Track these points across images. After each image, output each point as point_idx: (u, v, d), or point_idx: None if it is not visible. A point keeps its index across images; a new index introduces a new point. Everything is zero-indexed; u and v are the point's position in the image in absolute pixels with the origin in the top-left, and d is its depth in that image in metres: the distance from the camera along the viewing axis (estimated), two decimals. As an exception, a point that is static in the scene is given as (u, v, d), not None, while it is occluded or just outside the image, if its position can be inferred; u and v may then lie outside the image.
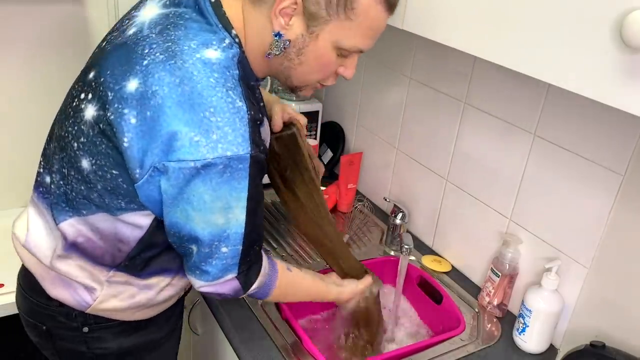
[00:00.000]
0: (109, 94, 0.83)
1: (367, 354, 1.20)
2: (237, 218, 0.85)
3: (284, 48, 0.87)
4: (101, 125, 0.84)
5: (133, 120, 0.80)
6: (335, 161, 1.78)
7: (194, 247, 0.88)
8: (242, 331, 1.14)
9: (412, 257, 1.42)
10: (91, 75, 0.88)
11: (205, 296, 0.95)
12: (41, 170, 0.99)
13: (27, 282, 1.03)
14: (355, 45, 0.88)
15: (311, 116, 1.68)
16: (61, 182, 0.92)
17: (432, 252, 1.48)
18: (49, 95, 1.70)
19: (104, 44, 0.93)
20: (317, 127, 1.72)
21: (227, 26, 0.84)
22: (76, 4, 1.66)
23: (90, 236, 0.92)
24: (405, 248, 1.27)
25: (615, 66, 0.66)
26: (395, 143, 1.56)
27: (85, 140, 0.87)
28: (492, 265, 1.23)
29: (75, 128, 0.88)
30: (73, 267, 0.95)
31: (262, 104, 0.89)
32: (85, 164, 0.87)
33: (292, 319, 1.16)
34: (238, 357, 1.11)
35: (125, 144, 0.81)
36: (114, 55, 0.86)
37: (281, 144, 1.09)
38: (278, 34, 0.85)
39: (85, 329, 1.00)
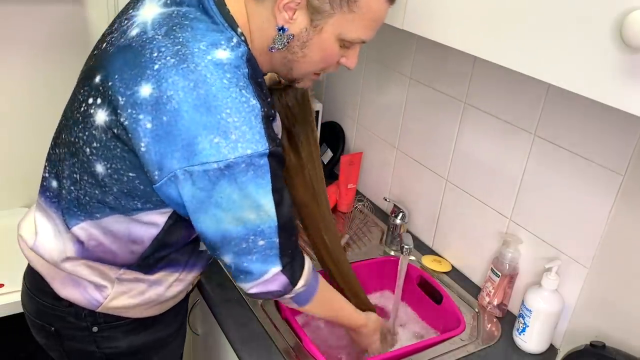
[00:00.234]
0: (120, 98, 0.83)
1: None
2: (268, 213, 0.86)
3: (288, 42, 0.88)
4: (115, 130, 0.84)
5: (149, 125, 0.81)
6: (335, 161, 1.78)
7: (229, 256, 0.88)
8: (242, 331, 1.14)
9: (412, 257, 1.42)
10: (97, 79, 0.87)
11: (253, 298, 0.96)
12: (46, 175, 0.98)
13: (34, 283, 1.02)
14: (359, 37, 0.90)
15: (311, 116, 1.69)
16: (72, 188, 0.92)
17: (432, 252, 1.48)
18: (49, 95, 1.70)
19: (104, 45, 0.92)
20: (317, 127, 1.72)
21: (233, 24, 0.85)
22: (76, 4, 1.66)
23: (102, 240, 0.92)
24: (405, 248, 1.27)
25: (615, 66, 0.66)
26: (395, 143, 1.56)
27: (98, 145, 0.87)
28: (492, 265, 1.23)
29: (87, 134, 0.88)
30: (83, 267, 0.95)
31: (269, 99, 0.90)
32: (99, 168, 0.87)
33: (292, 319, 1.16)
34: (238, 357, 1.11)
35: (143, 149, 0.82)
36: (119, 57, 0.86)
37: (292, 96, 1.09)
38: (282, 29, 0.87)
39: (95, 329, 1.00)
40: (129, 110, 0.82)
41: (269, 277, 0.91)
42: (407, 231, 1.50)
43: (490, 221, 1.29)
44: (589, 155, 1.05)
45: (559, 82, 0.74)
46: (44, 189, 0.99)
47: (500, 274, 1.21)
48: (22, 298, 1.08)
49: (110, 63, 0.87)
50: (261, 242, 0.87)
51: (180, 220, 0.92)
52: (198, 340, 1.47)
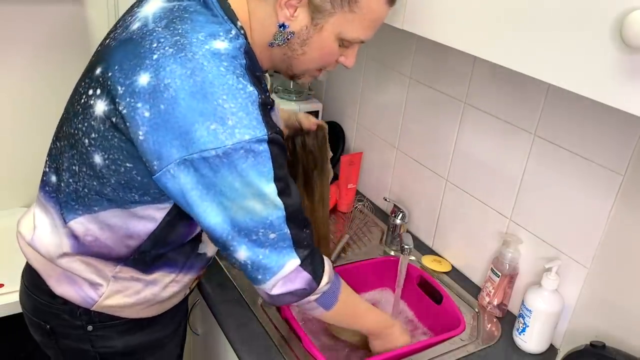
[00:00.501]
0: (119, 88, 0.83)
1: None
2: (274, 202, 0.85)
3: (288, 39, 0.89)
4: (113, 120, 0.84)
5: (147, 114, 0.81)
6: (335, 161, 1.78)
7: (242, 249, 0.86)
8: (242, 331, 1.14)
9: (412, 257, 1.42)
10: (98, 71, 0.89)
11: (278, 303, 0.93)
12: (47, 169, 0.99)
13: (32, 280, 1.03)
14: (358, 37, 0.91)
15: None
16: (71, 180, 0.92)
17: (432, 252, 1.47)
18: (49, 95, 1.70)
19: (107, 41, 0.94)
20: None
21: (233, 18, 0.86)
22: (76, 3, 1.66)
23: (99, 235, 0.92)
24: (405, 248, 1.27)
25: (615, 66, 0.66)
26: (395, 143, 1.56)
27: (96, 135, 0.87)
28: (492, 265, 1.23)
29: (86, 124, 0.89)
30: (79, 264, 0.95)
31: (268, 93, 0.90)
32: (97, 159, 0.88)
33: (292, 319, 1.16)
34: (238, 357, 1.11)
35: (141, 137, 0.82)
36: (120, 50, 0.87)
37: (314, 140, 1.15)
38: (282, 25, 0.87)
39: (90, 328, 1.00)
40: (128, 99, 0.82)
41: (288, 271, 0.89)
42: (407, 231, 1.50)
43: (490, 221, 1.29)
44: (589, 155, 1.05)
45: (559, 82, 0.74)
46: (44, 183, 0.99)
47: (500, 274, 1.21)
48: (20, 296, 1.08)
49: (111, 56, 0.88)
50: (272, 235, 0.87)
51: (178, 218, 0.92)
52: (198, 340, 1.47)
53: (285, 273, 0.89)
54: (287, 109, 1.24)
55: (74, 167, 0.92)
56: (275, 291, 0.91)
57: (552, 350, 1.17)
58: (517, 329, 1.17)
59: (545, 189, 1.15)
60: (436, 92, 1.38)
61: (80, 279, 0.97)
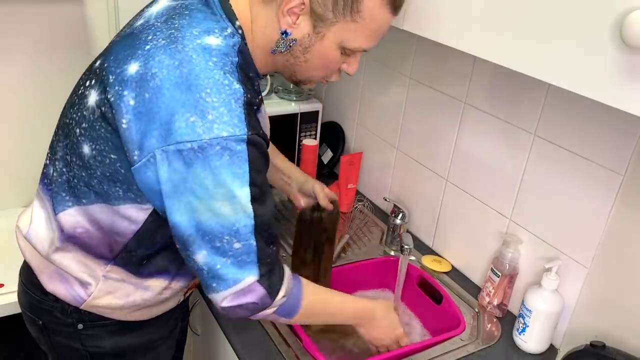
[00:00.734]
0: (110, 77, 0.85)
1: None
2: (244, 209, 0.82)
3: (290, 46, 0.89)
4: (102, 109, 0.85)
5: (132, 102, 0.81)
6: (335, 161, 1.78)
7: (202, 254, 0.84)
8: (242, 331, 1.14)
9: (412, 257, 1.42)
10: (97, 63, 0.91)
11: (226, 315, 0.89)
12: (47, 162, 0.99)
13: (28, 276, 1.03)
14: (360, 46, 0.90)
15: (311, 116, 1.69)
16: (64, 170, 0.93)
17: (432, 252, 1.47)
18: (49, 95, 1.70)
19: (114, 38, 0.96)
20: (317, 127, 1.72)
21: (232, 18, 0.86)
22: (76, 3, 1.66)
23: (89, 227, 0.92)
24: (405, 248, 1.27)
25: (615, 66, 0.66)
26: (395, 143, 1.56)
27: (86, 125, 0.88)
28: (492, 265, 1.23)
29: (79, 114, 0.90)
30: (70, 260, 0.95)
31: (260, 97, 0.90)
32: (86, 149, 0.88)
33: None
34: (238, 357, 1.11)
35: (124, 126, 0.82)
36: (120, 44, 0.89)
37: (330, 218, 1.21)
38: (285, 32, 0.87)
39: (80, 326, 1.01)
40: (116, 87, 0.83)
41: (243, 286, 0.86)
42: (407, 231, 1.50)
43: (490, 221, 1.29)
44: (589, 155, 1.05)
45: (559, 82, 0.74)
46: (43, 176, 0.99)
47: (500, 274, 1.21)
48: (17, 292, 1.09)
49: (110, 49, 0.90)
50: (237, 245, 0.83)
51: (161, 220, 0.90)
52: (198, 340, 1.47)
53: (240, 287, 0.86)
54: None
55: (66, 157, 0.92)
56: (225, 304, 0.87)
57: (552, 350, 1.17)
58: (517, 329, 1.17)
59: (545, 189, 1.15)
60: (436, 92, 1.38)
61: (71, 277, 0.97)
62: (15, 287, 1.10)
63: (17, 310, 1.11)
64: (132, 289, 0.98)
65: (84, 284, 0.97)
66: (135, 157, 0.82)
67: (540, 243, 1.17)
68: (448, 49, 0.95)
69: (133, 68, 0.82)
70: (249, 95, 0.82)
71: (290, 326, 1.16)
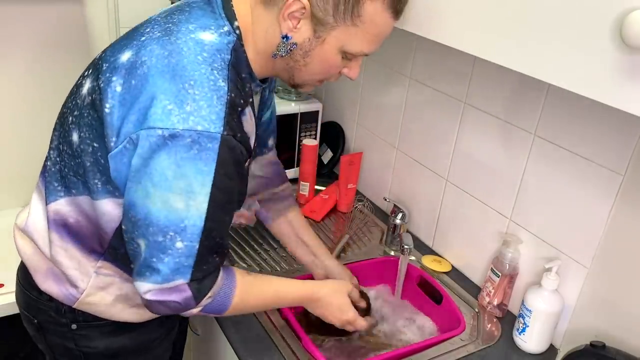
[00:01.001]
0: (104, 65, 0.86)
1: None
2: (198, 207, 0.80)
3: (290, 50, 0.88)
4: (93, 96, 0.85)
5: (118, 88, 0.82)
6: (335, 161, 1.78)
7: (144, 242, 0.82)
8: (242, 331, 1.14)
9: (412, 257, 1.42)
10: (98, 55, 0.93)
11: (148, 307, 0.87)
12: (47, 155, 1.00)
13: (24, 275, 1.04)
14: (361, 50, 0.89)
15: (311, 116, 1.69)
16: (57, 159, 0.93)
17: (432, 252, 1.47)
18: (49, 94, 1.70)
19: None
20: (317, 127, 1.72)
21: (231, 17, 0.86)
22: (76, 3, 1.66)
23: (79, 218, 0.92)
24: (405, 248, 1.27)
25: (615, 66, 0.66)
26: (395, 143, 1.56)
27: (77, 113, 0.89)
28: (492, 265, 1.23)
29: (73, 103, 0.91)
30: (63, 256, 0.95)
31: (251, 99, 0.88)
32: (74, 136, 0.88)
33: (292, 319, 1.16)
34: (238, 357, 1.11)
35: (107, 110, 0.82)
36: (121, 38, 0.91)
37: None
38: (285, 37, 0.86)
39: (74, 326, 1.01)
40: (107, 74, 0.84)
41: (171, 285, 0.84)
42: (407, 231, 1.50)
43: (490, 221, 1.29)
44: (589, 155, 1.05)
45: (559, 82, 0.74)
46: (43, 168, 0.99)
47: (500, 274, 1.21)
48: (15, 291, 1.09)
49: (113, 43, 0.92)
50: (179, 244, 0.81)
51: None
52: (198, 340, 1.47)
53: (167, 286, 0.84)
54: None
55: (60, 146, 0.93)
56: (149, 296, 0.85)
57: (552, 350, 1.17)
58: (517, 329, 1.17)
59: (545, 189, 1.15)
60: (436, 92, 1.38)
61: (63, 276, 0.97)
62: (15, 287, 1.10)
63: (17, 310, 1.11)
64: (124, 285, 0.98)
65: (76, 281, 0.96)
66: (112, 144, 0.82)
67: (540, 243, 1.17)
68: (448, 49, 0.94)
69: (125, 56, 0.84)
70: (233, 95, 0.81)
71: (290, 326, 1.16)
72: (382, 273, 1.40)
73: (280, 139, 1.66)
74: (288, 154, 1.70)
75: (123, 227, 0.86)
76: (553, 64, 0.74)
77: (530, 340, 1.15)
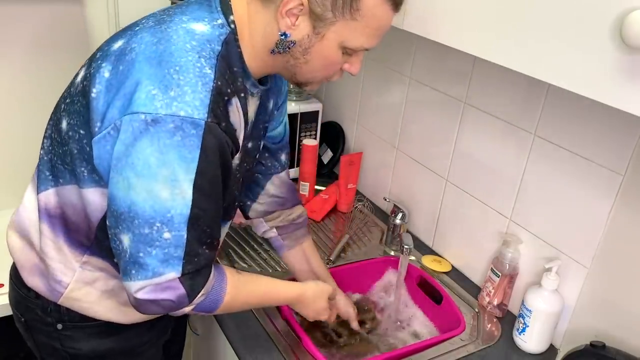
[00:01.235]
0: (98, 53, 0.88)
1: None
2: (184, 195, 0.78)
3: (289, 47, 0.87)
4: (84, 83, 0.86)
5: (106, 74, 0.82)
6: (335, 161, 1.78)
7: (128, 237, 0.80)
8: (242, 331, 1.14)
9: (412, 257, 1.42)
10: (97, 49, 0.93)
11: (139, 308, 0.84)
12: (42, 144, 0.99)
13: (14, 272, 1.04)
14: (361, 45, 0.88)
15: (311, 116, 1.69)
16: (49, 148, 0.93)
17: (432, 252, 1.47)
18: (49, 94, 1.70)
19: None
20: (317, 127, 1.72)
21: (226, 11, 0.86)
22: (76, 3, 1.66)
23: (67, 208, 0.92)
24: (405, 248, 1.27)
25: (615, 66, 0.66)
26: (395, 143, 1.56)
27: (69, 101, 0.89)
28: (492, 265, 1.23)
29: (68, 92, 0.92)
30: (50, 247, 0.94)
31: (242, 95, 0.87)
32: (64, 124, 0.89)
33: (292, 319, 1.16)
34: (238, 357, 1.11)
35: (93, 95, 0.82)
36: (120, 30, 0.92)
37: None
38: (284, 34, 0.85)
39: (59, 326, 1.00)
40: (99, 62, 0.85)
41: (163, 281, 0.81)
42: (407, 231, 1.50)
43: (490, 221, 1.29)
44: (589, 155, 1.05)
45: (559, 82, 0.74)
46: (39, 162, 0.99)
47: (500, 274, 1.21)
48: (8, 290, 1.09)
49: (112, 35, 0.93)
50: (167, 235, 0.79)
51: None
52: (198, 340, 1.47)
53: (158, 281, 0.81)
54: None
55: (52, 135, 0.93)
56: (141, 295, 0.82)
57: (552, 350, 1.17)
58: (517, 329, 1.17)
59: (545, 189, 1.15)
60: (436, 92, 1.38)
61: (49, 271, 0.96)
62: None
63: (16, 309, 1.11)
64: (110, 280, 0.97)
65: (59, 276, 0.95)
66: (97, 129, 0.82)
67: (540, 243, 1.17)
68: (448, 49, 0.94)
69: (117, 44, 0.85)
70: (219, 83, 0.80)
71: (290, 326, 1.16)
72: (382, 273, 1.40)
73: (280, 139, 1.66)
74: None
75: (107, 222, 0.84)
76: (553, 64, 0.75)
77: (530, 340, 1.15)
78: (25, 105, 1.70)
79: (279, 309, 1.20)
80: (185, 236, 0.80)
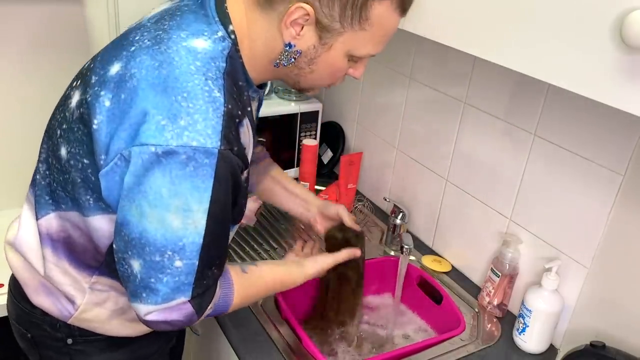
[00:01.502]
0: (93, 77, 0.82)
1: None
2: (197, 225, 0.77)
3: (295, 58, 0.85)
4: (81, 110, 0.82)
5: (107, 103, 0.78)
6: (335, 161, 1.78)
7: (138, 263, 0.79)
8: (242, 331, 1.14)
9: (412, 257, 1.42)
10: (86, 65, 0.89)
11: (149, 325, 0.84)
12: (37, 165, 0.97)
13: (16, 287, 1.00)
14: (368, 53, 0.86)
15: (311, 116, 1.69)
16: (47, 172, 0.90)
17: (432, 252, 1.47)
18: (48, 94, 1.70)
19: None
20: (317, 127, 1.72)
21: (225, 21, 0.82)
22: (76, 3, 1.66)
23: (72, 232, 0.89)
24: (405, 248, 1.27)
25: (615, 66, 0.66)
26: (395, 143, 1.56)
27: (66, 127, 0.85)
28: (492, 265, 1.23)
29: (62, 115, 0.88)
30: (56, 272, 0.92)
31: (249, 108, 0.85)
32: (63, 151, 0.85)
33: (292, 318, 1.16)
34: (238, 357, 1.11)
35: (95, 126, 0.79)
36: (110, 44, 0.87)
37: (359, 239, 1.17)
38: (289, 44, 0.83)
39: (70, 341, 0.97)
40: (95, 88, 0.81)
41: (173, 304, 0.80)
42: (407, 231, 1.50)
43: (490, 221, 1.29)
44: (589, 155, 1.05)
45: (558, 82, 0.74)
46: (32, 181, 0.96)
47: (500, 274, 1.21)
48: (7, 302, 1.06)
49: (102, 50, 0.88)
50: (178, 263, 0.78)
51: None
52: (198, 340, 1.47)
53: (169, 305, 0.81)
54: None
55: (49, 160, 0.90)
56: (150, 317, 0.81)
57: (552, 350, 1.17)
58: (517, 329, 1.17)
59: (545, 189, 1.15)
60: (436, 92, 1.38)
61: (57, 291, 0.93)
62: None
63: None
64: (120, 298, 0.95)
65: (70, 297, 0.93)
66: (102, 162, 0.79)
67: (540, 243, 1.17)
68: (448, 49, 0.94)
69: (115, 69, 0.80)
70: (229, 106, 0.77)
71: (290, 325, 1.16)
72: (382, 273, 1.40)
73: (280, 139, 1.66)
74: (288, 154, 1.70)
75: (114, 246, 0.82)
76: (553, 64, 0.74)
77: (530, 340, 1.15)
78: (25, 105, 1.70)
79: (279, 309, 1.20)
80: (197, 263, 0.79)
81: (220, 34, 0.81)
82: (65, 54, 1.68)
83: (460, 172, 1.35)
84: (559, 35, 0.73)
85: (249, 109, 0.85)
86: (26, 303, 0.98)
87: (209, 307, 0.86)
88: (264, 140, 1.25)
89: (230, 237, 1.06)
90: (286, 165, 1.69)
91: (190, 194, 0.75)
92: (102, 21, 1.69)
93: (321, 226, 1.22)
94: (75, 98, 0.85)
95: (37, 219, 0.91)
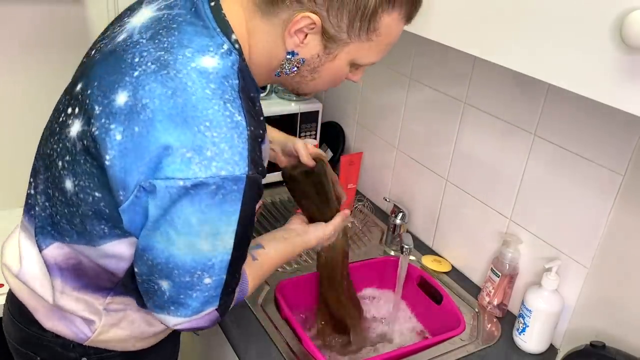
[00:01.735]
0: (96, 107, 0.77)
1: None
2: (225, 245, 0.77)
3: (298, 66, 0.83)
4: (85, 142, 0.78)
5: (118, 137, 0.74)
6: (335, 161, 1.78)
7: (167, 283, 0.79)
8: (242, 331, 1.14)
9: (412, 257, 1.42)
10: (78, 87, 0.82)
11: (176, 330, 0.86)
12: (30, 191, 0.92)
13: (18, 309, 0.96)
14: (371, 61, 0.85)
15: (311, 116, 1.69)
16: (47, 204, 0.86)
17: (432, 252, 1.47)
18: (47, 95, 1.69)
19: (92, 52, 0.87)
20: (317, 127, 1.72)
21: (227, 30, 0.78)
22: (76, 3, 1.66)
23: (82, 258, 0.86)
24: (405, 248, 1.27)
25: (615, 66, 0.66)
26: (395, 143, 1.56)
27: (70, 158, 0.81)
28: (492, 265, 1.23)
29: (60, 145, 0.83)
30: (69, 300, 0.89)
31: (262, 117, 0.84)
32: (68, 184, 0.81)
33: (292, 318, 1.16)
34: (238, 356, 1.11)
35: (107, 162, 0.75)
36: (102, 64, 0.80)
37: (310, 181, 1.11)
38: (292, 53, 0.81)
39: None
40: (103, 120, 0.75)
41: (202, 314, 0.82)
42: (407, 231, 1.50)
43: (490, 221, 1.29)
44: (589, 155, 1.05)
45: (558, 82, 0.74)
46: (27, 206, 0.92)
47: (500, 274, 1.21)
48: (4, 323, 1.02)
49: (92, 70, 0.82)
50: (207, 280, 0.78)
51: None
52: (198, 340, 1.47)
53: (198, 317, 0.82)
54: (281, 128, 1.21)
55: (48, 191, 0.86)
56: (180, 327, 0.83)
57: (552, 350, 1.17)
58: (517, 329, 1.17)
59: (545, 189, 1.15)
60: (436, 92, 1.38)
61: (73, 316, 0.91)
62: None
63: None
64: (136, 316, 0.93)
65: (87, 321, 0.91)
66: (121, 197, 0.76)
67: (540, 243, 1.17)
68: (448, 49, 0.95)
69: (122, 99, 0.75)
70: (252, 128, 0.75)
71: (290, 325, 1.16)
72: (382, 273, 1.40)
73: (280, 139, 1.65)
74: (288, 154, 1.70)
75: (136, 269, 0.81)
76: (553, 64, 0.75)
77: (530, 340, 1.15)
78: (25, 106, 1.70)
79: (278, 309, 1.20)
80: (224, 277, 0.80)
81: (225, 47, 0.77)
82: (66, 54, 1.68)
83: (460, 172, 1.35)
84: (559, 35, 0.73)
85: (262, 118, 0.84)
86: (31, 325, 0.95)
87: (231, 307, 0.88)
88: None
89: None
90: (286, 165, 1.69)
91: (219, 219, 0.75)
92: (102, 21, 1.69)
93: (283, 163, 1.18)
94: (76, 128, 0.80)
95: (40, 249, 0.87)
